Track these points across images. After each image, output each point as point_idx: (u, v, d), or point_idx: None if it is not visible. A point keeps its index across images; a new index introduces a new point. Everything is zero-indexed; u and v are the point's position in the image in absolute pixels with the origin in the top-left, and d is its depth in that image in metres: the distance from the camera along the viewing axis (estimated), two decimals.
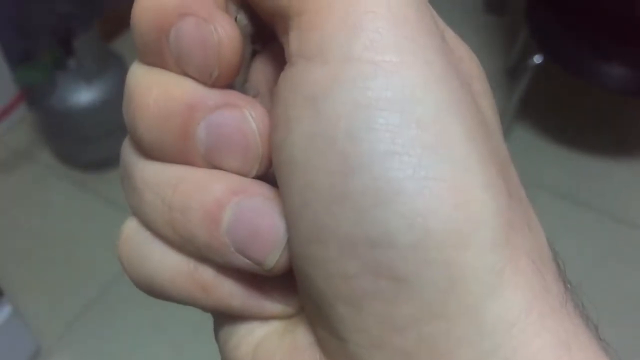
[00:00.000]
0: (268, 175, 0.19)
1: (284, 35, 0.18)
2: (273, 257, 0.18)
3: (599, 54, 1.00)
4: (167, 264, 0.19)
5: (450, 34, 0.19)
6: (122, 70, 1.13)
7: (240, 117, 0.18)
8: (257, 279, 0.19)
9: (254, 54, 0.22)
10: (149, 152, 0.19)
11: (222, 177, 0.19)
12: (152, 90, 0.19)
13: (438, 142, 0.15)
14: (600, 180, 1.14)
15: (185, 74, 0.19)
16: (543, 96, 1.18)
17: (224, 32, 0.18)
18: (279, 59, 0.20)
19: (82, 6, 1.19)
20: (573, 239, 1.08)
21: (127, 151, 0.20)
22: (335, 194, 0.16)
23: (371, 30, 0.16)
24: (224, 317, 0.20)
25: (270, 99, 0.22)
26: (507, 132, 1.19)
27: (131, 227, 0.20)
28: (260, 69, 0.22)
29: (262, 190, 0.18)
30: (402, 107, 0.16)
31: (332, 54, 0.16)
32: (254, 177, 0.19)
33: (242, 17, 0.21)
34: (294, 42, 0.17)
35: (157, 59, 0.19)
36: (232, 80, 0.19)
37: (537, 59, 1.04)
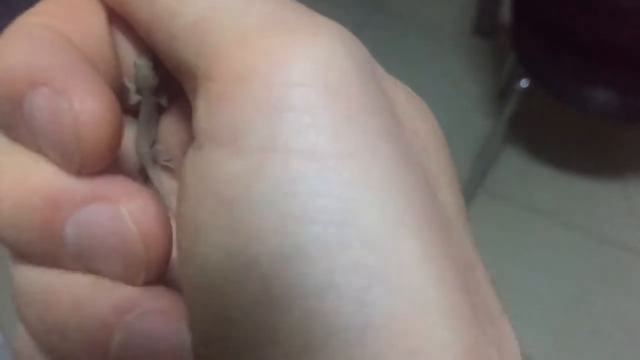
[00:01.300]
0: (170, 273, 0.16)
1: (191, 96, 0.15)
2: None
3: (585, 79, 1.02)
4: None
5: (397, 87, 0.16)
6: None
7: (115, 215, 0.15)
8: None
9: (160, 108, 0.19)
10: (13, 252, 0.16)
11: (105, 288, 0.15)
12: (6, 174, 0.15)
13: (387, 266, 0.12)
14: (588, 200, 1.15)
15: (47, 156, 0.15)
16: (532, 118, 1.19)
17: (83, 106, 0.14)
18: (190, 113, 0.17)
19: None
20: (560, 258, 1.09)
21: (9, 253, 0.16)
22: (260, 334, 0.13)
23: (300, 109, 0.13)
24: None
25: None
26: (495, 154, 1.21)
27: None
28: (171, 126, 0.19)
29: (156, 303, 0.15)
30: (342, 219, 0.13)
31: (250, 141, 0.13)
32: (145, 284, 0.15)
33: (143, 64, 0.18)
34: (201, 117, 0.14)
35: (13, 133, 0.15)
36: (105, 165, 0.15)
37: (524, 82, 1.05)
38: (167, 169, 0.19)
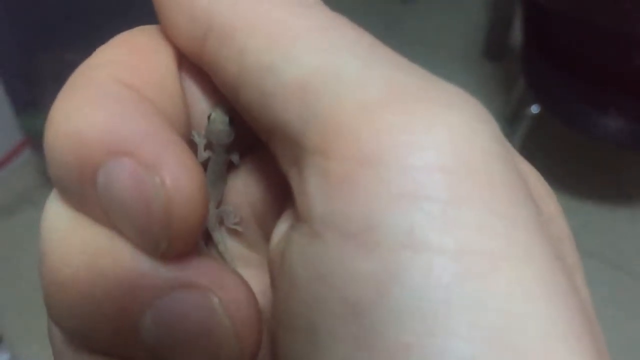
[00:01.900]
0: None
1: (288, 164, 0.14)
2: None
3: (595, 105, 1.02)
4: None
5: (525, 164, 0.14)
6: None
7: (204, 305, 0.13)
8: None
9: (229, 165, 0.17)
10: (75, 341, 0.14)
11: None
12: (72, 254, 0.13)
13: None
14: (601, 228, 1.14)
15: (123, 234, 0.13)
16: (543, 144, 1.19)
17: (176, 183, 0.12)
18: (265, 173, 0.16)
19: (89, 54, 1.21)
20: None
21: (53, 335, 0.15)
22: None
23: (443, 199, 0.11)
24: None
25: (256, 228, 0.17)
26: None
27: None
28: (241, 186, 0.17)
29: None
30: (500, 338, 0.11)
31: (385, 235, 0.11)
32: None
33: (219, 118, 0.16)
34: (317, 200, 0.12)
35: (81, 205, 0.13)
36: (191, 248, 0.13)
37: (535, 108, 1.05)
38: (234, 232, 0.18)
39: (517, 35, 1.17)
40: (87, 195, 0.13)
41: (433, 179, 0.11)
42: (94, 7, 1.08)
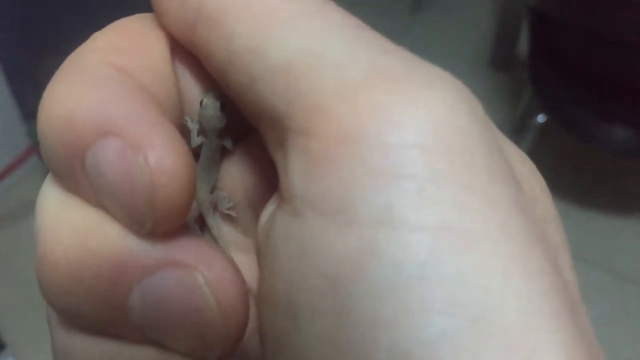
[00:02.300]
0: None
1: (273, 146, 0.14)
2: None
3: (602, 115, 1.02)
4: None
5: (509, 144, 0.14)
6: None
7: (190, 283, 0.13)
8: None
9: (223, 151, 0.17)
10: (65, 320, 0.14)
11: None
12: (63, 235, 0.13)
13: None
14: (607, 238, 1.13)
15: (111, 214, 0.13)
16: (549, 153, 1.19)
17: (160, 163, 0.13)
18: (259, 158, 0.16)
19: None
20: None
21: (50, 316, 0.15)
22: None
23: (421, 176, 0.11)
24: None
25: (250, 213, 0.18)
26: None
27: None
28: (234, 171, 0.17)
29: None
30: (477, 312, 0.11)
31: (363, 212, 0.12)
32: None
33: (211, 103, 0.16)
34: (298, 179, 0.12)
35: (72, 186, 0.14)
36: (178, 227, 0.13)
37: (541, 118, 1.05)
38: (228, 217, 0.18)
39: (524, 45, 1.17)
40: (77, 176, 0.13)
41: (411, 156, 0.11)
42: (103, 13, 1.08)
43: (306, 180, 0.12)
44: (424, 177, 0.11)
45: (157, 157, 0.12)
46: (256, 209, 0.17)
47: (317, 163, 0.12)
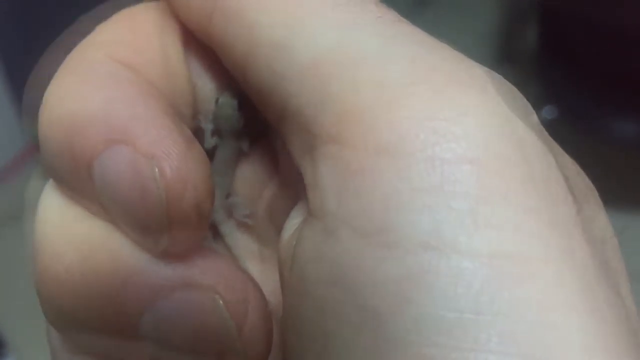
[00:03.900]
0: None
1: (299, 151, 0.12)
2: None
3: (612, 109, 1.01)
4: None
5: (564, 159, 0.13)
6: None
7: (209, 306, 0.12)
8: None
9: (239, 154, 0.16)
10: (70, 343, 0.13)
11: None
12: (65, 250, 0.12)
13: None
14: (618, 235, 1.12)
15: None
16: None
17: (175, 174, 0.11)
18: (278, 161, 0.15)
19: None
20: None
21: (50, 334, 0.14)
22: None
23: (473, 195, 0.10)
24: None
25: (268, 221, 0.16)
26: None
27: None
28: (251, 176, 0.16)
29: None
30: (536, 351, 0.10)
31: (407, 235, 0.10)
32: None
33: (227, 102, 0.15)
34: (331, 193, 0.11)
35: (76, 195, 0.13)
36: (195, 244, 0.12)
37: (547, 112, 1.04)
38: (243, 225, 0.17)
39: (531, 38, 1.16)
40: (83, 186, 0.12)
41: (462, 172, 0.10)
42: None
43: (340, 195, 0.11)
44: (476, 196, 0.10)
45: (173, 167, 0.11)
46: (275, 217, 0.16)
47: (353, 177, 0.11)
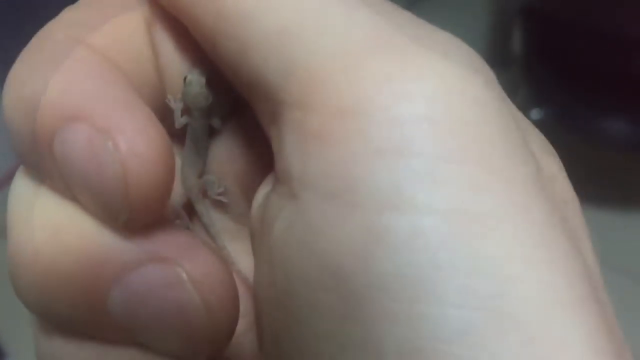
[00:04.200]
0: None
1: (266, 121, 0.13)
2: None
3: (598, 111, 1.02)
4: None
5: (525, 124, 0.13)
6: None
7: (173, 279, 0.12)
8: None
9: (211, 131, 0.16)
10: (43, 322, 0.13)
11: None
12: (34, 230, 0.12)
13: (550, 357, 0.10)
14: (605, 234, 1.13)
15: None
16: None
17: (131, 147, 0.12)
18: (250, 138, 0.15)
19: None
20: None
21: (32, 321, 0.14)
22: None
23: (432, 154, 0.10)
24: None
25: (243, 198, 0.16)
26: None
27: None
28: (224, 153, 0.16)
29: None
30: (494, 304, 0.10)
31: (367, 194, 0.10)
32: None
33: (195, 79, 0.15)
34: (294, 157, 0.11)
35: (43, 177, 0.13)
36: (156, 218, 0.12)
37: (535, 114, 1.05)
38: (218, 203, 0.17)
39: (518, 42, 1.17)
40: (47, 166, 0.12)
41: (421, 132, 0.10)
42: None
43: (303, 158, 0.11)
44: (435, 155, 0.10)
45: (128, 142, 0.12)
46: (249, 194, 0.16)
47: (316, 140, 0.11)
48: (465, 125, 0.11)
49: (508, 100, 0.12)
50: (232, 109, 0.16)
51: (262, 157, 0.15)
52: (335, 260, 0.10)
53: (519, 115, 0.13)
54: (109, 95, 0.12)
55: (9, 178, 1.18)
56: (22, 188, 0.13)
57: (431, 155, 0.10)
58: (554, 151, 0.14)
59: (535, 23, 1.06)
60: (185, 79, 0.15)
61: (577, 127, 1.04)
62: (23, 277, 0.13)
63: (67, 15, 0.14)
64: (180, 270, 0.12)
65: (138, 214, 0.12)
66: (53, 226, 0.12)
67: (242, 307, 0.13)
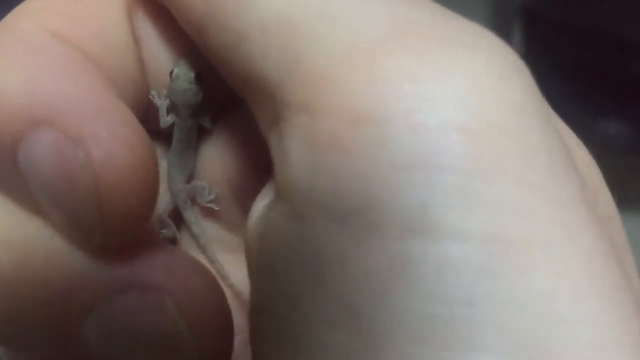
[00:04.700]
0: None
1: (264, 122, 0.11)
2: None
3: (595, 111, 1.02)
4: None
5: (564, 129, 0.11)
6: None
7: (156, 308, 0.11)
8: None
9: (200, 131, 0.15)
10: (12, 353, 0.11)
11: None
12: None
13: None
14: None
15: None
16: None
17: (105, 156, 0.10)
18: (244, 138, 0.13)
19: None
20: None
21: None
22: None
23: (465, 169, 0.09)
24: None
25: (236, 206, 0.15)
26: None
27: None
28: (215, 155, 0.14)
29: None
30: (540, 347, 0.08)
31: (389, 216, 0.09)
32: None
33: (183, 74, 0.13)
34: (298, 168, 0.10)
35: (5, 187, 0.11)
36: (137, 236, 0.11)
37: None
38: (209, 211, 0.15)
39: (516, 42, 1.17)
40: (10, 176, 0.10)
41: (451, 142, 0.09)
42: None
43: (311, 171, 0.10)
44: (468, 170, 0.09)
45: (101, 150, 0.10)
46: (243, 200, 0.14)
47: (326, 150, 0.09)
48: (503, 135, 0.09)
49: (545, 102, 0.10)
50: (223, 106, 0.14)
51: (258, 159, 0.13)
52: (349, 295, 0.09)
53: (558, 120, 0.11)
54: (81, 96, 0.10)
55: None
56: None
57: (463, 170, 0.09)
58: (592, 160, 0.12)
59: (535, 24, 1.06)
60: (171, 73, 0.13)
61: (574, 128, 1.03)
62: None
63: (36, 1, 0.12)
64: (165, 297, 0.11)
65: (114, 235, 0.10)
66: (17, 246, 0.11)
67: (235, 325, 0.12)
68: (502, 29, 1.40)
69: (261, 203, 0.11)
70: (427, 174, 0.09)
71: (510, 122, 0.09)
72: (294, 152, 0.10)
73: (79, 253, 0.11)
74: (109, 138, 0.10)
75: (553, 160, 0.09)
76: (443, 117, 0.09)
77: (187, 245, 0.15)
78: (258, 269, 0.11)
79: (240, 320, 0.12)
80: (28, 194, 0.11)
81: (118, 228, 0.10)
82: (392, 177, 0.09)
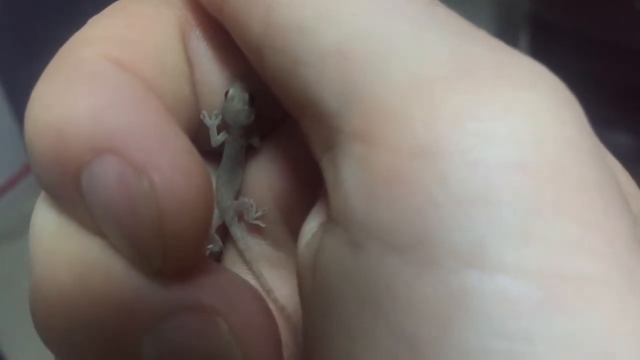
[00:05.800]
0: None
1: (321, 150, 0.11)
2: None
3: (604, 122, 1.02)
4: None
5: (612, 162, 0.11)
6: None
7: (211, 331, 0.11)
8: None
9: (249, 150, 0.15)
10: None
11: None
12: (57, 268, 0.11)
13: None
14: None
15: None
16: None
17: (168, 186, 0.10)
18: (291, 157, 0.14)
19: None
20: None
21: None
22: None
23: (522, 206, 0.09)
24: None
25: (282, 223, 0.15)
26: None
27: None
28: (263, 173, 0.15)
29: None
30: None
31: (445, 250, 0.09)
32: None
33: (238, 95, 0.14)
34: (355, 197, 0.10)
35: (68, 208, 0.12)
36: (195, 262, 0.11)
37: None
38: (255, 228, 0.15)
39: (522, 49, 1.17)
40: (73, 199, 0.11)
41: (509, 179, 0.09)
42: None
43: (368, 202, 0.10)
44: (526, 206, 0.09)
45: (164, 180, 0.10)
46: (290, 219, 0.15)
47: (384, 181, 0.09)
48: (561, 172, 0.09)
49: (594, 135, 0.10)
50: (273, 126, 0.14)
51: (305, 178, 0.14)
52: (408, 327, 0.09)
53: (607, 152, 0.11)
54: (143, 124, 0.11)
55: (12, 183, 1.18)
56: (44, 217, 0.12)
57: (521, 206, 0.09)
58: (638, 189, 0.12)
59: (542, 31, 1.06)
60: (226, 93, 0.14)
61: None
62: (44, 316, 0.12)
63: (93, 27, 0.12)
64: (218, 319, 0.11)
65: (173, 260, 0.11)
66: (79, 265, 0.11)
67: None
68: (508, 34, 1.40)
69: (312, 224, 0.12)
70: (485, 210, 0.09)
71: (567, 160, 0.09)
72: (350, 180, 0.10)
73: (138, 275, 0.11)
74: (170, 167, 0.10)
75: (607, 197, 0.09)
76: (502, 154, 0.09)
77: (232, 260, 0.16)
78: (312, 293, 0.11)
79: (284, 335, 0.13)
80: (90, 217, 0.11)
81: (178, 254, 0.11)
82: (450, 212, 0.09)
